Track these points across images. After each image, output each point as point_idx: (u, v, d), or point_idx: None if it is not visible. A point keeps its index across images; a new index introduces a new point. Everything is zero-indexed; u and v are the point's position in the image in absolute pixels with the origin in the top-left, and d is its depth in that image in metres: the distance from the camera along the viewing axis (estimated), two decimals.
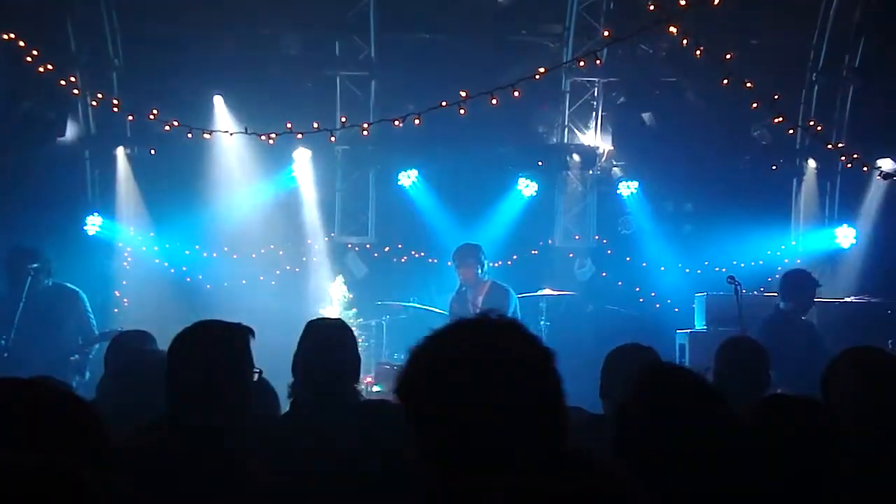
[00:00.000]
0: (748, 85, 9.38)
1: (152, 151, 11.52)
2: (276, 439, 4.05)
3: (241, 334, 3.79)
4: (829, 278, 11.99)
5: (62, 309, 8.48)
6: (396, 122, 9.57)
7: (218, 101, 11.23)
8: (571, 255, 12.25)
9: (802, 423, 2.65)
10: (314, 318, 4.70)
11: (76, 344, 8.34)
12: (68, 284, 8.63)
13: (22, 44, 10.02)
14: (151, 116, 10.21)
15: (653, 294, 12.06)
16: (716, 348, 5.35)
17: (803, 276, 9.22)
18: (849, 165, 10.99)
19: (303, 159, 11.65)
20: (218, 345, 3.74)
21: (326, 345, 4.25)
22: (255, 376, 3.80)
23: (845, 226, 12.04)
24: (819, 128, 10.91)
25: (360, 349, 4.44)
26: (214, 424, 3.51)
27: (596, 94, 11.97)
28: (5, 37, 9.95)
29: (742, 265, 11.62)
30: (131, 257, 11.79)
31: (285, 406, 4.50)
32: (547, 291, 10.30)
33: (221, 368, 3.68)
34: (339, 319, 4.41)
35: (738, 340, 5.71)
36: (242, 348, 3.75)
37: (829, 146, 10.88)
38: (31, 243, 8.66)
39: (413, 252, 12.06)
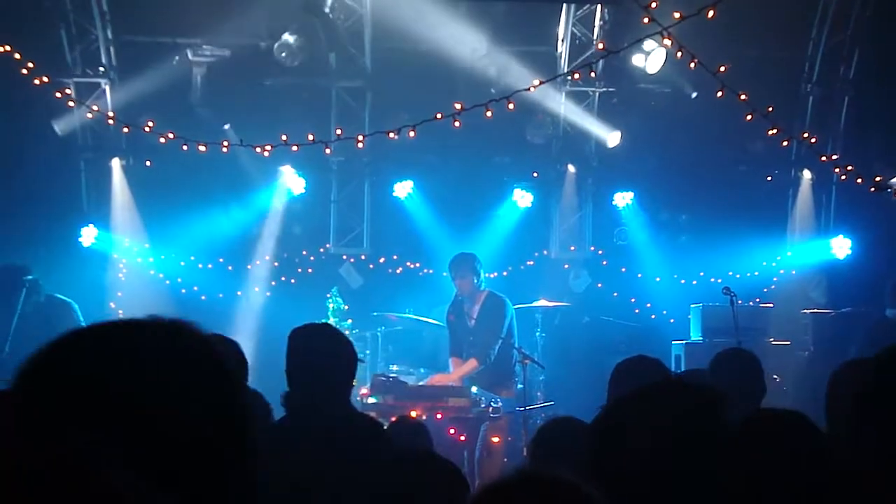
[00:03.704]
0: (742, 97, 9.39)
1: (148, 163, 11.52)
2: (269, 446, 4.03)
3: (238, 348, 3.82)
4: (824, 289, 12.02)
5: (56, 320, 8.46)
6: (391, 135, 9.57)
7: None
8: (567, 266, 12.25)
9: (781, 442, 2.63)
10: (297, 327, 4.51)
11: None
12: (59, 296, 8.62)
13: (17, 56, 10.02)
14: (146, 129, 10.21)
15: (648, 305, 12.07)
16: (710, 359, 5.35)
17: None
18: (843, 178, 11.00)
19: (296, 172, 11.64)
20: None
21: (317, 352, 4.19)
22: None
23: (841, 236, 12.05)
24: (814, 139, 10.93)
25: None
26: None
27: (591, 104, 11.99)
28: (0, 49, 9.94)
29: (738, 276, 11.63)
30: (126, 268, 11.77)
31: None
32: (542, 302, 10.30)
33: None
34: (327, 324, 4.34)
35: (733, 352, 5.70)
36: (245, 362, 3.79)
37: (824, 158, 10.90)
38: (21, 260, 8.68)
39: (408, 263, 12.06)
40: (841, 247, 12.02)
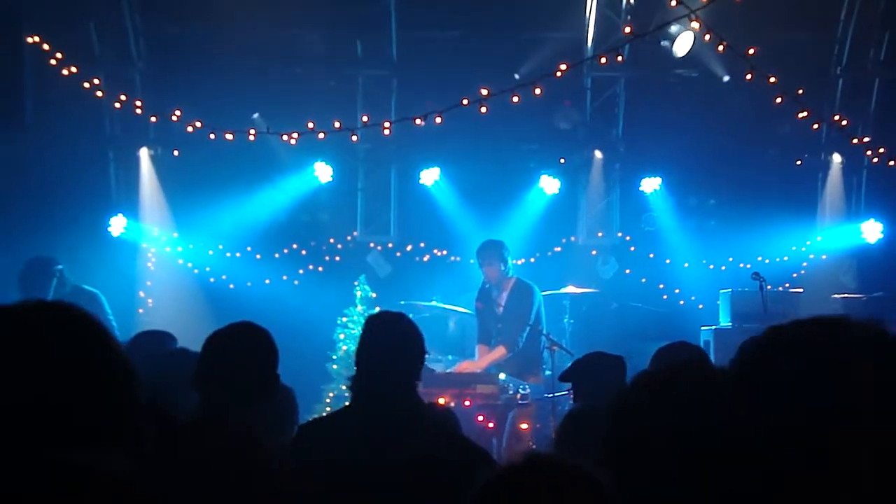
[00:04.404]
0: (772, 80, 9.31)
1: (176, 152, 11.57)
2: (332, 432, 4.10)
3: (270, 336, 3.92)
4: (855, 274, 11.92)
5: None
6: (418, 121, 9.56)
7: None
8: (595, 253, 12.20)
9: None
10: (374, 314, 4.69)
11: None
12: (86, 286, 8.64)
13: (46, 47, 10.08)
14: (174, 118, 10.25)
15: (677, 290, 12.00)
16: (740, 345, 5.31)
17: None
18: (875, 160, 10.89)
19: (323, 160, 11.65)
20: (257, 345, 3.86)
21: (389, 339, 4.20)
22: None
23: (872, 220, 11.93)
24: (844, 122, 10.82)
25: None
26: (250, 424, 3.56)
27: (618, 89, 11.92)
28: (30, 40, 10.00)
29: (767, 261, 11.56)
30: (155, 258, 11.85)
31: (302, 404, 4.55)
32: (570, 289, 10.26)
33: (258, 369, 3.79)
34: (402, 314, 4.37)
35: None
36: (276, 350, 3.89)
37: (855, 141, 10.78)
38: (50, 251, 8.76)
39: (435, 250, 12.06)
40: (872, 231, 11.90)
